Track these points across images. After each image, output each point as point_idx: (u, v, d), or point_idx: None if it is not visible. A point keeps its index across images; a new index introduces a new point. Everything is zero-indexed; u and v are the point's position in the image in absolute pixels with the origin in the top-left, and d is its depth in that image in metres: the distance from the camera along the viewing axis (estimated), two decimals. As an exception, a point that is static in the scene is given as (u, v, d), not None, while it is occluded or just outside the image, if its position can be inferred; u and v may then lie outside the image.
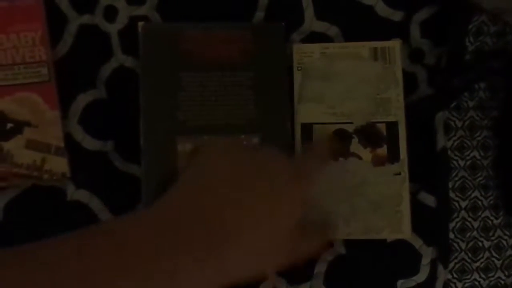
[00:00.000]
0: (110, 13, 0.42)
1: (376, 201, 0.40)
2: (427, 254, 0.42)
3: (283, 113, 0.40)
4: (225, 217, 0.29)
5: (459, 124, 0.43)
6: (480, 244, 0.43)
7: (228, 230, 0.28)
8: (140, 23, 0.40)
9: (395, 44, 0.41)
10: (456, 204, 0.43)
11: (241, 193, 0.30)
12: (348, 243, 0.42)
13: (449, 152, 0.43)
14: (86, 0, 0.42)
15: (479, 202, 0.43)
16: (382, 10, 0.43)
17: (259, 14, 0.43)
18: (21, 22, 0.40)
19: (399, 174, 0.40)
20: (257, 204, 0.30)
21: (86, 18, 0.42)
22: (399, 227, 0.39)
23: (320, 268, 0.41)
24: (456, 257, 0.42)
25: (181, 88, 0.39)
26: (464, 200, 0.43)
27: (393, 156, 0.40)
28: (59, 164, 0.39)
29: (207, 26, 0.41)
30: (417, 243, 0.42)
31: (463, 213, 0.43)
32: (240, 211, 0.29)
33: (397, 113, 0.40)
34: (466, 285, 0.42)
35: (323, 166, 0.39)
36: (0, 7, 0.39)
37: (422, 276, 0.42)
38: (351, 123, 0.41)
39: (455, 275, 0.42)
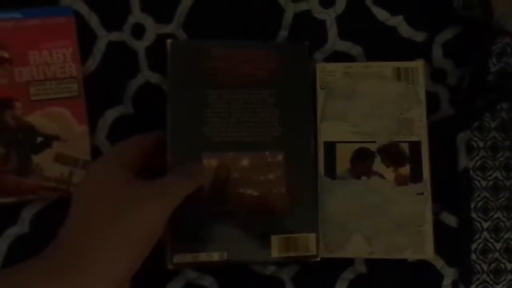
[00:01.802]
0: (138, 31, 0.43)
1: (399, 221, 0.40)
2: (449, 275, 0.42)
3: (306, 131, 0.41)
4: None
5: (481, 144, 0.43)
6: (503, 266, 0.42)
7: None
8: (168, 40, 0.41)
9: (418, 65, 0.42)
10: (478, 225, 0.42)
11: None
12: (369, 262, 0.42)
13: (471, 172, 0.43)
14: (115, 17, 0.43)
15: (502, 223, 0.43)
16: (405, 31, 0.44)
17: (283, 33, 0.44)
18: (53, 39, 0.41)
19: (422, 194, 0.40)
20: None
21: (114, 35, 0.43)
22: (421, 247, 0.39)
23: (341, 287, 0.41)
24: (478, 279, 0.42)
25: (207, 105, 0.40)
26: (486, 221, 0.43)
27: (416, 176, 0.40)
28: (86, 178, 0.40)
29: (233, 44, 0.41)
30: (439, 263, 0.42)
31: (485, 234, 0.42)
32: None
33: (420, 133, 0.41)
34: (488, 307, 0.42)
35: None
36: (33, 25, 0.41)
37: (443, 297, 0.41)
38: (374, 142, 0.41)
39: (477, 297, 0.42)
